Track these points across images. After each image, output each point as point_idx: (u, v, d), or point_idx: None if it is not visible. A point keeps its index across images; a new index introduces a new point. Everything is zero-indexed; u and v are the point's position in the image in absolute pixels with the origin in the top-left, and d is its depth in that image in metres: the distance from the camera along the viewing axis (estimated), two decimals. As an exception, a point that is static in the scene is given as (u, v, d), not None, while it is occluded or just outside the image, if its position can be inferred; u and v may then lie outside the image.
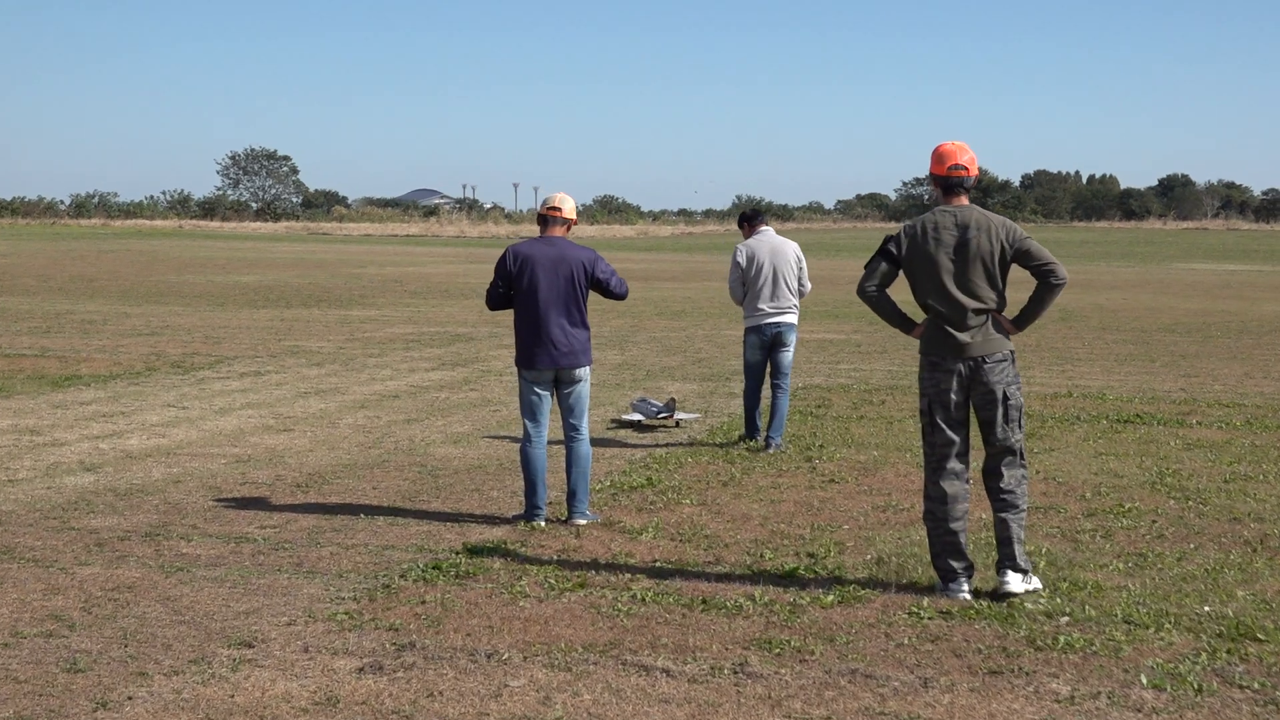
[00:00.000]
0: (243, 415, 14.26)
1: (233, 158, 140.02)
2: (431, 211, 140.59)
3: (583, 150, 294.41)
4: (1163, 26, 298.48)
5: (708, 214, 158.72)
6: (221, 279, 39.88)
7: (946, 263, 7.57)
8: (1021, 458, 7.62)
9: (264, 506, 9.85)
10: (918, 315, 7.94)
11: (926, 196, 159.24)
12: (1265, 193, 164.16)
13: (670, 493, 10.37)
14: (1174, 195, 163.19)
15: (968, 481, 7.72)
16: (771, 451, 12.14)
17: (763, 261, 12.37)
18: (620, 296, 9.55)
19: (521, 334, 9.34)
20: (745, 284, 12.43)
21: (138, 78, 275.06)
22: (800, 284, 12.52)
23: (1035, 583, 7.61)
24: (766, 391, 12.62)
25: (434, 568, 8.01)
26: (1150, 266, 61.14)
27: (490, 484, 10.77)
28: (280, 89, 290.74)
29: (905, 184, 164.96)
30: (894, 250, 7.75)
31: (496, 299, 9.46)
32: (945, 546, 7.60)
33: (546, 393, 9.39)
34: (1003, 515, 7.59)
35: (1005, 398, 7.53)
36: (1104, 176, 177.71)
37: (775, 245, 12.49)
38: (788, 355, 12.56)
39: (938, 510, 7.62)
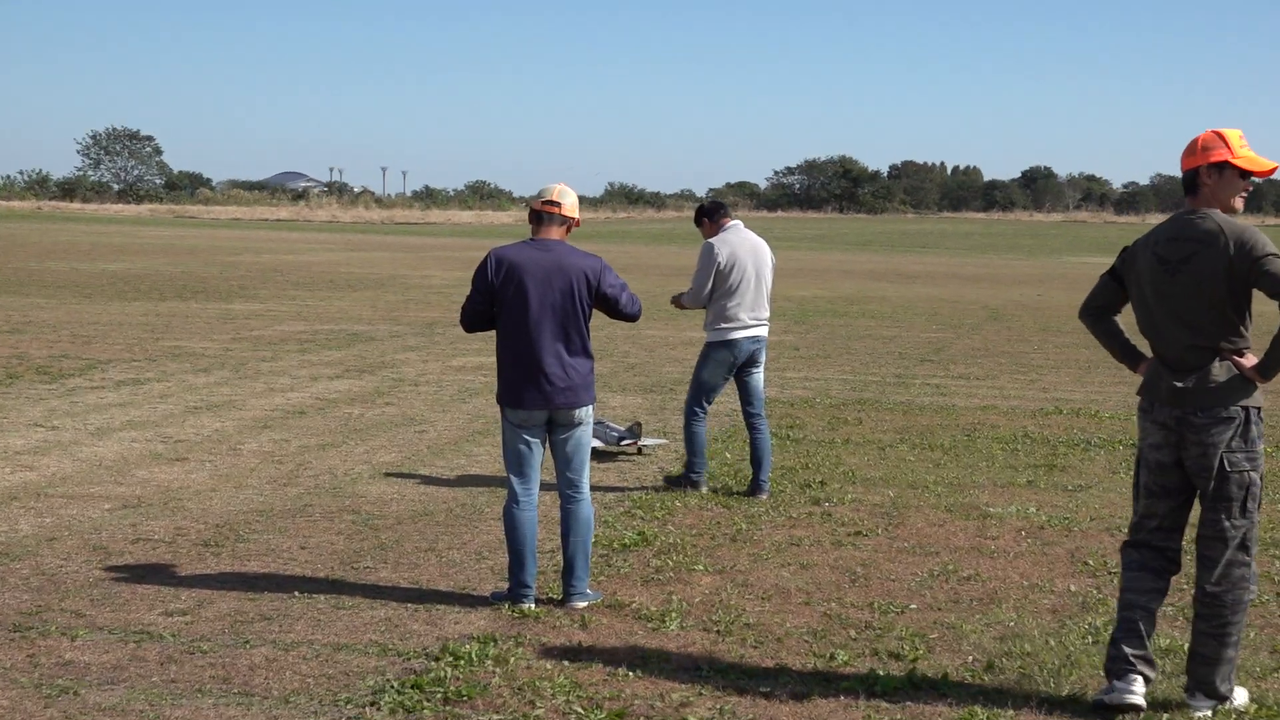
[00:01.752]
0: (125, 438, 12.03)
1: (94, 137, 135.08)
2: (300, 195, 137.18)
3: (451, 134, 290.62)
4: (1026, 19, 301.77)
5: (580, 200, 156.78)
6: (87, 267, 37.07)
7: (1161, 282, 5.71)
8: (1244, 551, 5.73)
9: (166, 578, 7.72)
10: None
11: (797, 186, 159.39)
12: (1125, 185, 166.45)
13: (674, 554, 8.41)
14: (1037, 187, 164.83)
15: (1166, 570, 5.89)
16: (764, 497, 10.19)
17: (745, 263, 10.20)
18: (632, 317, 7.57)
19: (506, 364, 7.34)
20: (714, 287, 10.21)
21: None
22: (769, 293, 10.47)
23: (1239, 698, 5.80)
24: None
25: (413, 686, 5.97)
26: (1041, 260, 60.41)
27: (445, 540, 8.73)
28: (142, 67, 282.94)
29: (776, 173, 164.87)
30: (1117, 265, 5.93)
31: (474, 318, 7.44)
32: (1120, 624, 5.78)
33: (538, 439, 7.38)
34: (1199, 625, 5.74)
35: (1224, 469, 5.65)
36: (968, 168, 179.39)
37: (755, 245, 10.36)
38: (759, 377, 10.49)
39: (1124, 584, 5.91)
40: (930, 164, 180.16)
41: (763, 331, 10.35)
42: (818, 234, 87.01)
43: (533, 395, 7.21)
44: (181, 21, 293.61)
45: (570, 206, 7.44)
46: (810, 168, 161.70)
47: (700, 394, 10.36)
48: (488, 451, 11.81)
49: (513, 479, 7.36)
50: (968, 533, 9.16)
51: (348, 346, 19.79)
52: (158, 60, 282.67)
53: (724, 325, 10.15)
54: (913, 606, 7.41)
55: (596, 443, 11.71)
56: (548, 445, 7.45)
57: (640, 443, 11.81)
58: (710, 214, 10.60)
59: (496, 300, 7.28)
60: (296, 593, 7.46)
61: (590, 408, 7.36)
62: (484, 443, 12.19)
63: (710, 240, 10.33)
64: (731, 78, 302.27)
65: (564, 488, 7.43)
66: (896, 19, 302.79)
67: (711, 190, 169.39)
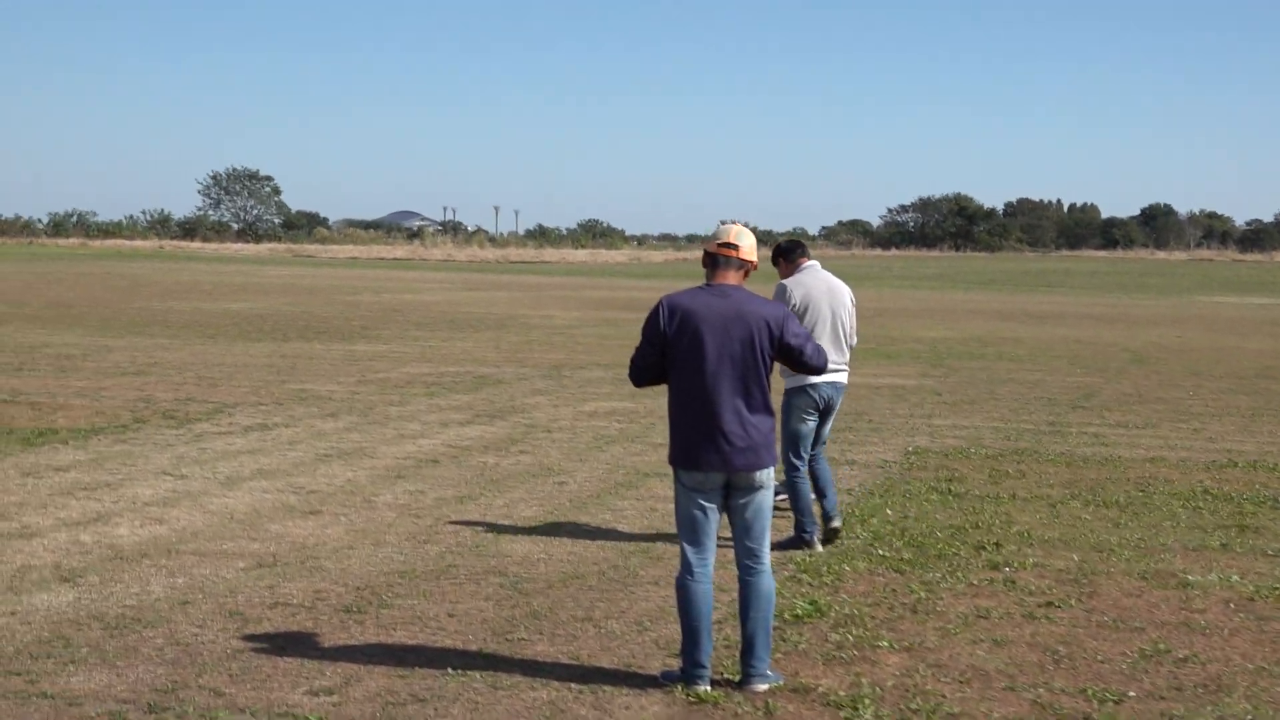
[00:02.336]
0: (255, 488, 11.55)
1: (214, 177, 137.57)
2: (415, 234, 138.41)
3: (563, 173, 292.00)
4: (1145, 55, 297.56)
5: (691, 239, 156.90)
6: (209, 306, 37.11)
7: None
8: None
9: (308, 649, 7.15)
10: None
11: (911, 224, 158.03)
12: (1249, 223, 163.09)
13: (853, 627, 7.70)
14: (1156, 224, 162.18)
15: None
16: (838, 524, 9.79)
17: (820, 304, 9.68)
18: (817, 370, 6.90)
19: (680, 422, 6.67)
20: None
21: (119, 94, 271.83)
22: (850, 336, 9.94)
23: None
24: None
25: (593, 792, 5.30)
26: (1172, 299, 58.78)
27: (601, 608, 8.08)
28: (260, 108, 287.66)
29: (890, 210, 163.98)
30: None
31: (644, 371, 6.80)
32: None
33: (714, 505, 6.71)
34: None
35: None
36: (1085, 205, 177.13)
37: (832, 285, 9.84)
38: (829, 424, 10.06)
39: None
40: (1046, 201, 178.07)
41: (842, 377, 9.83)
42: (937, 272, 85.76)
43: (710, 456, 6.56)
44: (299, 62, 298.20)
45: (748, 249, 6.79)
46: (924, 205, 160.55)
47: (794, 446, 9.84)
48: (632, 506, 11.19)
49: (686, 548, 6.70)
50: (1170, 604, 8.35)
51: (475, 390, 19.28)
52: (276, 100, 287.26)
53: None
54: (1131, 694, 6.65)
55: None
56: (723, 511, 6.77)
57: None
58: (787, 254, 10.02)
59: (669, 351, 6.65)
60: (449, 669, 6.85)
61: (772, 470, 6.67)
62: (628, 496, 11.57)
63: (784, 281, 9.81)
64: (845, 114, 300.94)
65: (742, 557, 6.76)
66: (1009, 55, 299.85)
67: (824, 228, 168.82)
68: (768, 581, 6.71)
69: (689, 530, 6.70)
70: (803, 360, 6.75)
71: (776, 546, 9.82)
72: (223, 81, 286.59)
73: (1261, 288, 71.49)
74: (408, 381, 20.15)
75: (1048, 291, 63.77)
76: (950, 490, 12.05)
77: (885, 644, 7.40)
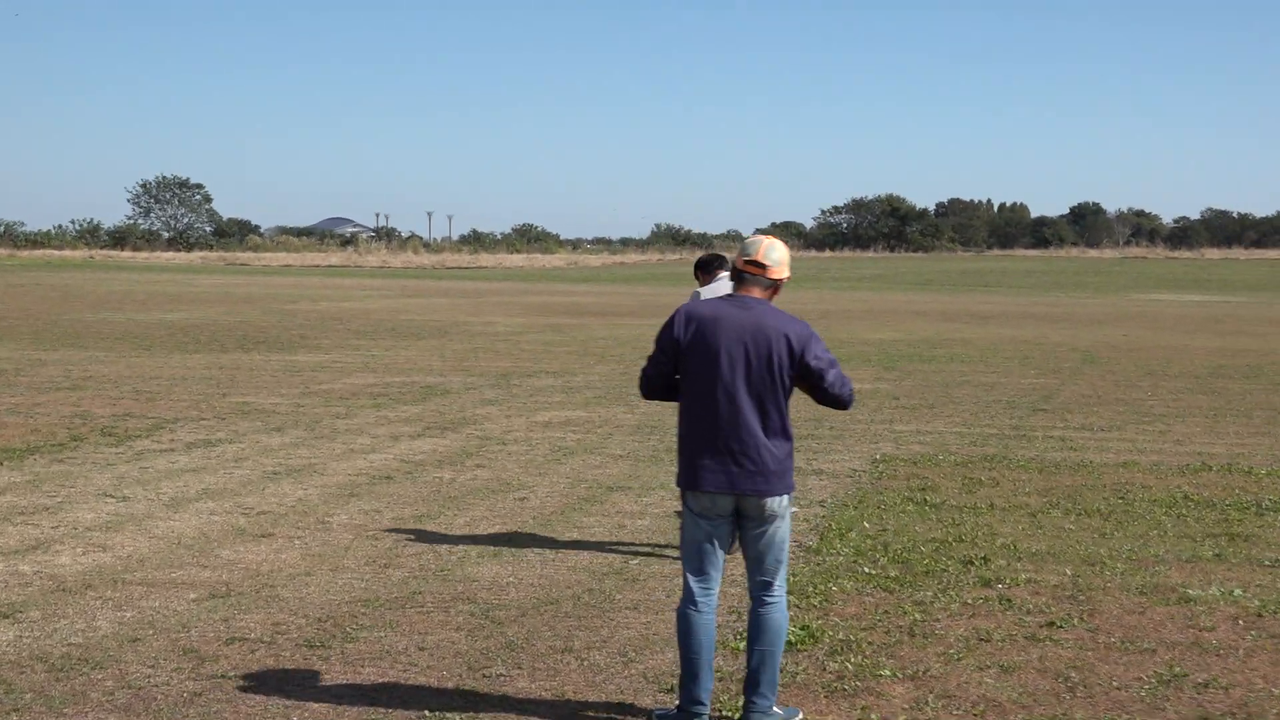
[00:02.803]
0: (202, 510, 11.00)
1: (144, 185, 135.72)
2: (348, 241, 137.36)
3: (496, 178, 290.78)
4: (1072, 53, 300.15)
5: (625, 242, 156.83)
6: (143, 317, 36.29)
7: None
8: None
9: (271, 689, 6.65)
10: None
11: (844, 225, 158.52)
12: (1176, 220, 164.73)
13: (851, 655, 7.27)
14: (1085, 223, 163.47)
15: None
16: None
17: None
18: (842, 401, 6.24)
19: (688, 440, 6.20)
20: None
21: (46, 103, 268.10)
22: None
23: None
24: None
25: None
26: (1110, 297, 59.02)
27: (581, 637, 7.61)
28: (190, 115, 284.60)
29: (823, 211, 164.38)
30: None
31: (654, 381, 6.34)
32: None
33: (723, 531, 6.22)
34: None
35: None
36: (1015, 204, 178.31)
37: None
38: None
39: None
40: (977, 201, 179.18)
41: None
42: (874, 273, 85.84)
43: (715, 476, 6.08)
44: (225, 68, 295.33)
45: (777, 266, 6.31)
46: (858, 206, 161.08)
47: None
48: (599, 522, 10.73)
49: (689, 577, 6.24)
50: (1176, 622, 7.98)
51: (423, 400, 18.74)
52: (203, 107, 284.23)
53: None
54: (1154, 725, 6.24)
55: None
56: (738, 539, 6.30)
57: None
58: (704, 266, 10.21)
59: (682, 362, 6.19)
60: (426, 711, 6.37)
61: (787, 499, 6.18)
62: (593, 511, 11.10)
63: (698, 289, 9.85)
64: (776, 117, 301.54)
65: (754, 589, 6.29)
66: (937, 55, 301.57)
67: (757, 230, 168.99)
68: (780, 615, 6.22)
69: (692, 558, 6.24)
70: (823, 386, 6.18)
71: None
72: (151, 89, 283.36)
73: (1195, 285, 71.99)
74: (353, 393, 19.59)
75: (985, 291, 63.87)
76: (926, 500, 11.67)
77: (887, 673, 6.97)
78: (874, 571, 9.12)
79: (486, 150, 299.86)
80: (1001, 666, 7.08)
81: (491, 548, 9.81)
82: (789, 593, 8.19)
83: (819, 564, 9.35)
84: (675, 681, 6.47)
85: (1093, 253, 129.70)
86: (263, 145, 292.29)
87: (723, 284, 9.80)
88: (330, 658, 7.17)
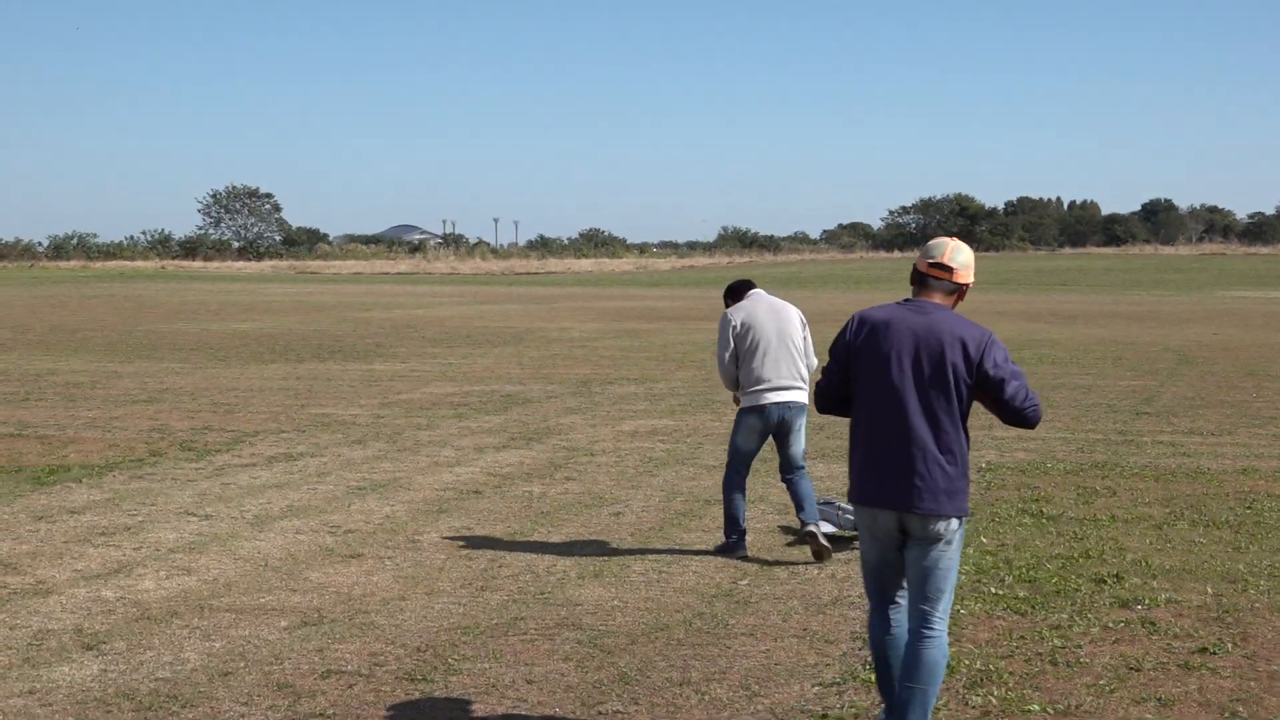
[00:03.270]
0: (288, 529, 10.60)
1: (214, 196, 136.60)
2: (416, 248, 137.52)
3: (561, 183, 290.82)
4: (1142, 51, 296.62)
5: (692, 245, 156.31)
6: (217, 327, 36.16)
7: None
8: None
9: (373, 730, 6.17)
10: None
11: (913, 225, 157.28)
12: (1251, 216, 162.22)
13: (993, 686, 6.74)
14: (1157, 220, 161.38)
15: None
16: (811, 528, 9.53)
17: (763, 323, 9.67)
18: (1026, 418, 5.69)
19: (856, 452, 5.77)
20: (740, 356, 9.65)
21: (116, 115, 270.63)
22: (807, 356, 9.81)
23: None
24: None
25: None
26: (1193, 295, 57.88)
27: (698, 668, 7.11)
28: (258, 125, 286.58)
29: (891, 213, 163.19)
30: None
31: (828, 393, 5.90)
32: None
33: (894, 550, 5.75)
34: None
35: None
36: (1085, 202, 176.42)
37: (774, 305, 9.84)
38: (799, 445, 9.81)
39: None
40: (1046, 199, 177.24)
41: (795, 397, 9.69)
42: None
43: (879, 492, 5.62)
44: (291, 78, 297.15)
45: (963, 270, 5.82)
46: (926, 206, 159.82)
47: (732, 461, 9.90)
48: (699, 539, 10.24)
49: (870, 598, 5.91)
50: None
51: (505, 410, 18.32)
52: (272, 117, 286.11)
53: (752, 390, 9.63)
54: (1346, 767, 5.66)
55: (830, 528, 10.12)
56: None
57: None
58: (734, 292, 10.11)
59: (853, 369, 5.76)
60: (542, 754, 5.88)
61: (956, 522, 5.65)
62: (692, 527, 10.60)
63: (726, 312, 9.90)
64: (843, 117, 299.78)
65: (912, 618, 5.75)
66: (1005, 55, 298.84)
67: (825, 232, 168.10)
68: (937, 652, 5.66)
69: (870, 577, 5.88)
70: (1004, 398, 5.63)
71: (711, 553, 9.66)
72: (220, 99, 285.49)
73: (1278, 280, 70.53)
74: (433, 403, 19.19)
75: (1064, 290, 62.87)
76: (1042, 513, 11.09)
77: (1036, 707, 6.44)
78: (1001, 591, 8.57)
79: (551, 156, 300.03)
80: (1159, 700, 6.52)
81: (592, 567, 9.34)
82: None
83: (940, 583, 8.79)
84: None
85: (1167, 250, 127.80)
86: (330, 154, 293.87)
87: (753, 299, 9.91)
88: (434, 692, 6.72)
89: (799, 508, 9.75)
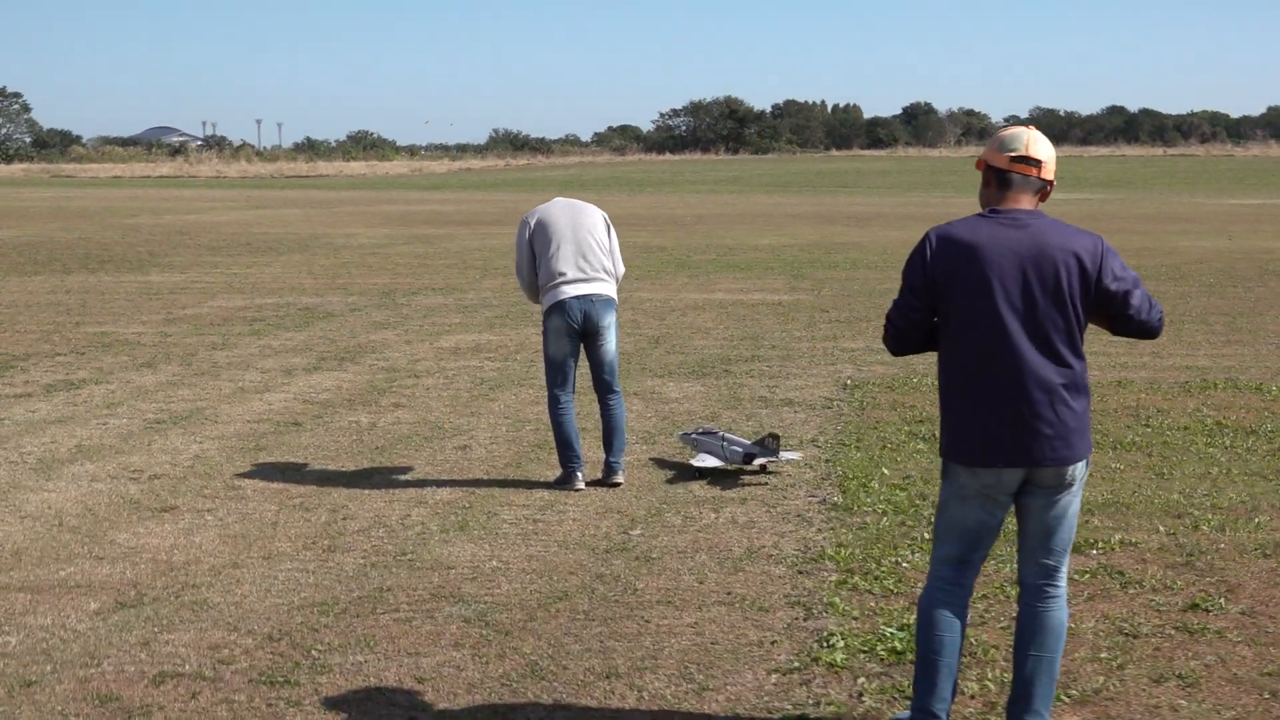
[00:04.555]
0: (81, 475, 9.03)
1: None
2: (177, 150, 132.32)
3: (325, 84, 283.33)
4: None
5: (463, 148, 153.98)
6: (-30, 235, 33.37)
7: None
8: None
9: (235, 762, 4.79)
10: None
11: (683, 128, 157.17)
12: (1006, 119, 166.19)
13: (977, 663, 5.63)
14: (917, 123, 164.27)
15: None
16: (618, 481, 8.73)
17: (557, 219, 8.77)
18: (1151, 329, 4.74)
19: (958, 403, 4.67)
20: (537, 258, 8.75)
21: None
22: (613, 257, 8.92)
23: None
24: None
25: None
26: (972, 196, 58.16)
27: (620, 650, 5.87)
28: (4, 22, 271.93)
29: (662, 115, 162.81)
30: None
31: (905, 334, 4.79)
32: None
33: (1003, 513, 4.74)
34: None
35: None
36: (849, 105, 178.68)
37: (573, 204, 8.95)
38: (609, 346, 8.85)
39: None
40: (812, 102, 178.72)
41: (596, 289, 8.71)
42: (729, 176, 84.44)
43: (1005, 448, 4.57)
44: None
45: (1050, 163, 4.73)
46: (696, 109, 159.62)
47: (550, 374, 8.90)
48: (560, 472, 8.94)
49: (942, 562, 4.80)
50: (1339, 597, 6.46)
51: (306, 326, 16.72)
52: (18, 13, 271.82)
53: (550, 287, 8.68)
54: None
55: (714, 461, 8.95)
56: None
57: (784, 456, 9.04)
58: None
59: (941, 304, 4.63)
60: (463, 791, 4.58)
61: (1085, 463, 4.66)
62: (552, 462, 9.29)
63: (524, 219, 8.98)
64: (613, 18, 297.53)
65: (1033, 576, 4.79)
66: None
67: (596, 134, 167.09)
68: (1061, 612, 4.79)
69: (959, 541, 4.75)
70: (1129, 314, 4.65)
71: (547, 486, 8.63)
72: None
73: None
74: (224, 318, 17.48)
75: (848, 193, 62.87)
76: (934, 436, 10.08)
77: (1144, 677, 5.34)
78: (915, 532, 7.49)
79: (315, 56, 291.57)
80: (1181, 678, 5.50)
81: (454, 517, 8.01)
82: (848, 571, 6.60)
83: (860, 527, 7.71)
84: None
85: (933, 153, 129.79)
86: (81, 52, 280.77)
87: (553, 201, 8.93)
88: (302, 700, 5.35)
89: (606, 444, 8.84)
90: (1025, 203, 4.65)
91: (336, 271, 23.99)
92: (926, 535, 7.49)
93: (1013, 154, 4.65)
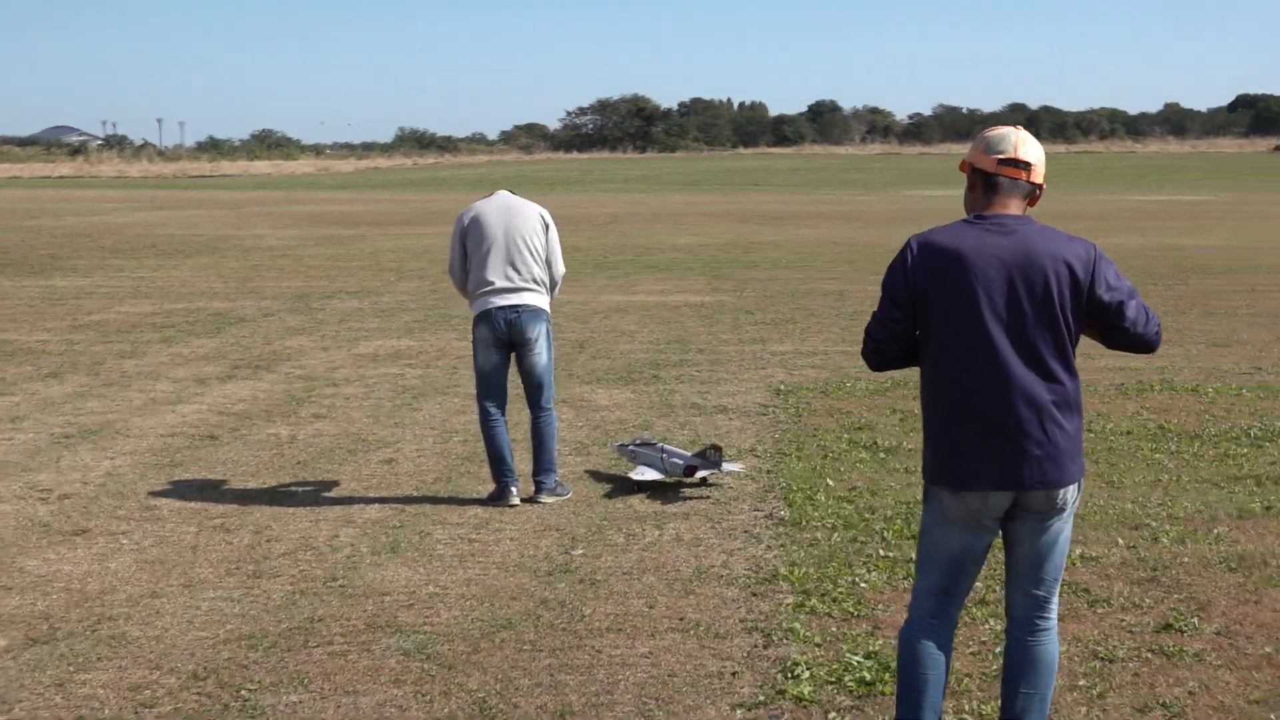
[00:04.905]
0: (-15, 496, 8.53)
1: None
2: (77, 150, 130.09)
3: (228, 82, 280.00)
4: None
5: (369, 147, 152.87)
6: None
7: None
8: None
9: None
10: None
11: (590, 126, 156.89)
12: (910, 117, 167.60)
13: (963, 697, 5.33)
14: (823, 120, 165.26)
15: None
16: (551, 501, 8.35)
17: (489, 220, 8.40)
18: (1148, 343, 4.46)
19: (942, 422, 4.38)
20: (469, 259, 8.44)
21: None
22: (549, 260, 8.57)
23: None
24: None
25: None
26: (884, 194, 58.44)
27: (573, 685, 5.53)
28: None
29: (569, 113, 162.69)
30: None
31: (886, 347, 4.54)
32: None
33: (989, 539, 4.45)
34: None
35: None
36: (754, 103, 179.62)
37: (510, 203, 8.55)
38: (539, 359, 8.48)
39: None
40: (718, 100, 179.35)
41: (523, 299, 8.38)
42: (638, 174, 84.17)
43: (988, 469, 4.27)
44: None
45: (1040, 166, 4.47)
46: (603, 107, 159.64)
47: (479, 387, 8.58)
48: (493, 488, 8.58)
49: (926, 594, 4.50)
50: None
51: (218, 332, 16.21)
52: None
53: (478, 295, 8.39)
54: None
55: (653, 474, 8.63)
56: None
57: (726, 468, 8.74)
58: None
59: (923, 315, 4.34)
60: None
61: (1076, 487, 4.39)
62: (483, 476, 8.93)
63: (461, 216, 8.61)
64: (519, 17, 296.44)
65: (1023, 607, 4.52)
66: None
67: (503, 133, 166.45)
68: (1053, 645, 4.53)
69: (942, 570, 4.45)
70: (1125, 326, 4.36)
71: (480, 503, 8.30)
72: None
73: (958, 180, 72.14)
74: (132, 324, 16.92)
75: (759, 191, 62.76)
76: (876, 444, 9.87)
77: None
78: (891, 553, 7.23)
79: (216, 54, 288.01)
80: (1165, 707, 5.25)
81: (384, 538, 7.63)
82: (802, 593, 6.31)
83: (812, 544, 7.42)
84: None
85: (839, 150, 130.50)
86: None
87: (499, 196, 8.56)
88: (234, 750, 4.94)
89: (535, 463, 8.50)
90: (1013, 208, 4.40)
91: (247, 274, 23.41)
92: (882, 552, 7.21)
93: (1000, 156, 4.39)
